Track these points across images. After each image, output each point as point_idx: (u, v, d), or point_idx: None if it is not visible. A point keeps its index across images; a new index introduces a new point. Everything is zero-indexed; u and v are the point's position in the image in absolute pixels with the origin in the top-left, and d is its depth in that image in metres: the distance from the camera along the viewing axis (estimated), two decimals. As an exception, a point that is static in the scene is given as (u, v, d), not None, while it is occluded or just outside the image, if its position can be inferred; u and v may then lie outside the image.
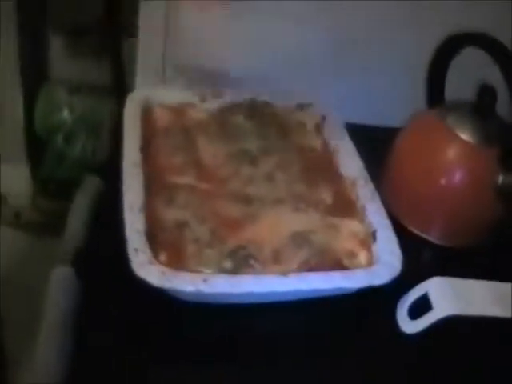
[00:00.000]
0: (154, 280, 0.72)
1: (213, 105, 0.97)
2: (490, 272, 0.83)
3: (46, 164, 1.62)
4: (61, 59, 1.61)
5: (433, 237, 0.91)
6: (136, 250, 0.75)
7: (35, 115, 1.60)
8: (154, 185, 0.84)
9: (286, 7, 0.99)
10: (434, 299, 0.78)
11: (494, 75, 0.84)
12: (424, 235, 0.91)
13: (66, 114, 1.60)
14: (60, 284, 0.85)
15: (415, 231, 0.91)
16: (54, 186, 1.62)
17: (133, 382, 0.71)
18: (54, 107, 1.60)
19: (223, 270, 0.77)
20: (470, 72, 0.91)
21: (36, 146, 1.62)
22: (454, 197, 0.89)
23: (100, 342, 0.74)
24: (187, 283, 0.73)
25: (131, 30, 1.13)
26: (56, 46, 1.61)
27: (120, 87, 1.12)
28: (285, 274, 0.76)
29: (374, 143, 0.94)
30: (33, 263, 0.97)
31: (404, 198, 0.92)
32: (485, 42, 0.86)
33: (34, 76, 1.61)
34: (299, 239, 0.81)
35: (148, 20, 1.07)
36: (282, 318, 0.78)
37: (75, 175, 1.58)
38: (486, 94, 0.88)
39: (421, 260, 0.91)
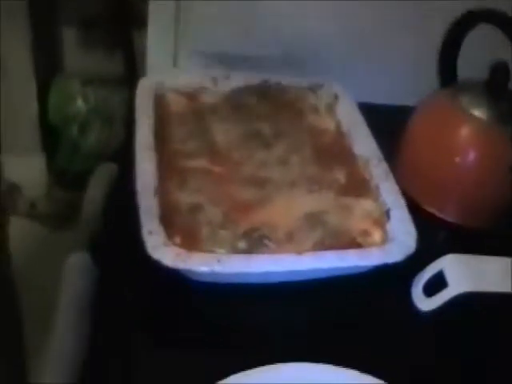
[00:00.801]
0: (168, 261, 0.73)
1: (225, 88, 0.97)
2: (504, 251, 0.83)
3: (61, 155, 1.63)
4: (74, 50, 1.62)
5: (447, 216, 0.91)
6: (150, 232, 0.75)
7: (49, 106, 1.61)
8: (168, 169, 0.85)
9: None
10: (449, 276, 0.77)
11: (507, 53, 0.84)
12: (439, 214, 0.91)
13: (79, 104, 1.61)
14: (76, 269, 0.86)
15: (430, 210, 0.91)
16: (69, 177, 1.63)
17: (148, 364, 0.71)
18: (68, 98, 1.61)
19: (237, 251, 0.77)
20: (483, 50, 0.90)
21: (51, 137, 1.63)
22: (468, 176, 0.89)
23: (116, 325, 0.74)
24: (201, 264, 0.73)
25: (143, 19, 1.13)
26: (69, 38, 1.62)
27: (132, 76, 1.13)
28: (299, 253, 0.76)
29: (388, 123, 0.94)
30: (48, 254, 0.98)
31: (418, 177, 0.92)
32: (498, 19, 0.86)
33: (47, 68, 1.62)
34: (313, 220, 0.82)
35: (159, 7, 1.08)
36: (296, 300, 0.78)
37: (90, 165, 1.60)
38: (499, 71, 0.87)
39: (435, 239, 0.90)
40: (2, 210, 0.92)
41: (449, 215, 0.91)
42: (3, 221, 0.93)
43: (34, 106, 1.58)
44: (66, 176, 1.63)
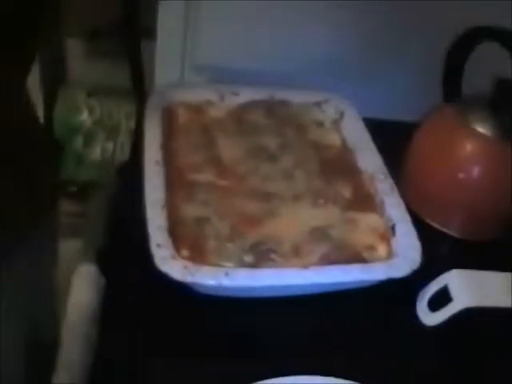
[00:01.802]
0: (176, 274, 0.73)
1: (231, 103, 0.98)
2: (508, 265, 0.83)
3: (66, 166, 1.63)
4: (79, 61, 1.63)
5: (452, 230, 0.92)
6: (159, 245, 0.76)
7: (54, 117, 1.62)
8: (175, 182, 0.85)
9: (308, 6, 1.00)
10: (453, 291, 0.78)
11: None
12: (443, 229, 0.92)
13: (85, 116, 1.61)
14: (83, 282, 0.86)
15: (434, 225, 0.92)
16: (73, 188, 1.63)
17: (154, 374, 0.71)
18: (74, 110, 1.62)
19: (244, 264, 0.78)
20: (486, 66, 0.91)
21: (55, 148, 1.64)
22: (472, 191, 0.90)
23: (123, 337, 0.75)
24: (209, 277, 0.74)
25: (150, 31, 1.14)
26: (74, 49, 1.63)
27: (139, 88, 1.13)
28: (305, 267, 0.77)
29: (392, 138, 0.95)
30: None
31: (423, 192, 0.93)
32: (502, 36, 0.87)
33: (53, 78, 1.63)
34: (318, 234, 0.82)
35: (167, 20, 1.08)
36: (302, 313, 0.79)
37: (94, 177, 1.60)
38: (503, 87, 0.88)
39: (440, 253, 0.91)
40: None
41: (453, 230, 0.92)
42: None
43: (39, 117, 1.59)
44: (71, 187, 1.64)
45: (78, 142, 1.61)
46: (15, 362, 0.90)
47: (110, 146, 1.61)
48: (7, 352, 0.87)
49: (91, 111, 1.60)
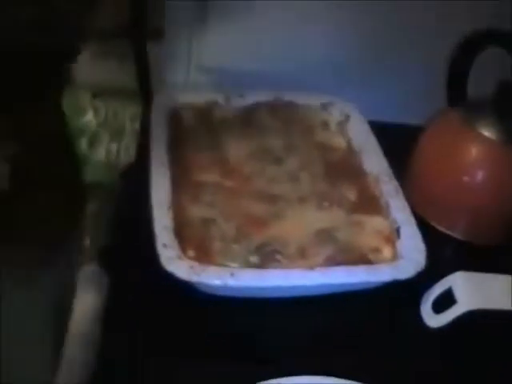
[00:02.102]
0: (182, 274, 0.74)
1: (237, 104, 0.99)
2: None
3: (71, 167, 1.64)
4: (84, 62, 1.63)
5: (457, 233, 0.92)
6: (165, 245, 0.76)
7: (60, 118, 1.62)
8: (181, 183, 0.86)
9: (310, 8, 1.00)
10: (458, 293, 0.78)
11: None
12: (448, 232, 0.92)
13: (90, 117, 1.62)
14: (88, 282, 0.87)
15: (439, 228, 0.92)
16: (78, 189, 1.64)
17: (158, 374, 0.72)
18: (78, 111, 1.62)
19: (250, 265, 0.78)
20: (493, 69, 0.91)
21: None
22: (477, 194, 0.90)
23: (126, 338, 0.75)
24: (215, 277, 0.74)
25: (158, 33, 1.14)
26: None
27: (145, 90, 1.14)
28: (311, 268, 0.77)
29: (398, 141, 0.95)
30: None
31: (428, 195, 0.93)
32: (507, 41, 0.87)
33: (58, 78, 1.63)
34: (324, 236, 0.83)
35: (174, 22, 1.09)
36: (307, 314, 0.79)
37: (99, 178, 1.61)
38: (506, 90, 0.88)
39: (445, 256, 0.91)
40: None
41: (458, 232, 0.92)
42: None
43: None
44: (76, 188, 1.64)
45: (83, 143, 1.62)
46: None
47: (114, 147, 1.61)
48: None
49: (96, 112, 1.60)
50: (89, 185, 1.62)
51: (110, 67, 1.59)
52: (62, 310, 0.90)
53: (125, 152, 1.60)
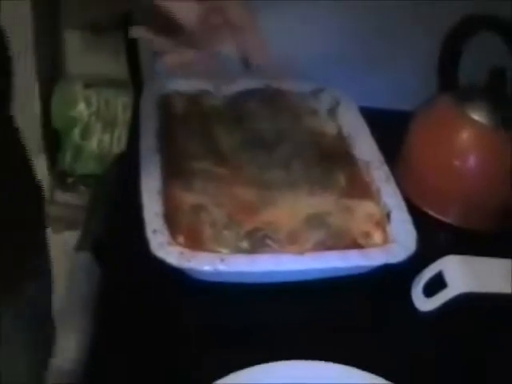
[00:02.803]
0: (172, 260, 0.74)
1: (227, 92, 0.98)
2: (505, 253, 0.83)
3: (63, 158, 1.64)
4: (76, 53, 1.63)
5: (448, 218, 0.92)
6: (155, 231, 0.76)
7: (52, 109, 1.62)
8: (172, 170, 0.86)
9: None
10: (448, 277, 0.78)
11: (505, 59, 0.85)
12: (439, 217, 0.92)
13: (82, 108, 1.62)
14: (80, 269, 0.87)
15: (431, 213, 0.92)
16: (71, 180, 1.64)
17: (150, 361, 0.72)
18: (71, 102, 1.62)
19: (240, 250, 0.78)
20: (484, 55, 0.91)
21: (53, 140, 1.64)
22: (468, 179, 0.90)
23: (120, 324, 0.75)
24: (205, 263, 0.75)
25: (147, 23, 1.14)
26: (72, 41, 1.63)
27: (136, 79, 1.14)
28: (301, 253, 0.77)
29: (389, 127, 0.95)
30: (51, 256, 0.99)
31: (419, 180, 0.93)
32: (498, 25, 0.87)
33: (50, 71, 1.63)
34: (315, 221, 0.83)
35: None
36: (298, 300, 0.79)
37: (93, 168, 1.61)
38: (497, 75, 0.88)
39: (436, 241, 0.91)
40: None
41: (449, 217, 0.92)
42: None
43: (36, 109, 1.59)
44: (68, 179, 1.64)
45: (76, 133, 1.62)
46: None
47: (107, 137, 1.61)
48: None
49: (88, 103, 1.60)
50: (81, 175, 1.63)
51: (102, 58, 1.59)
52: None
53: (117, 142, 1.61)
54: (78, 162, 1.63)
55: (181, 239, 0.78)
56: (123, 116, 1.57)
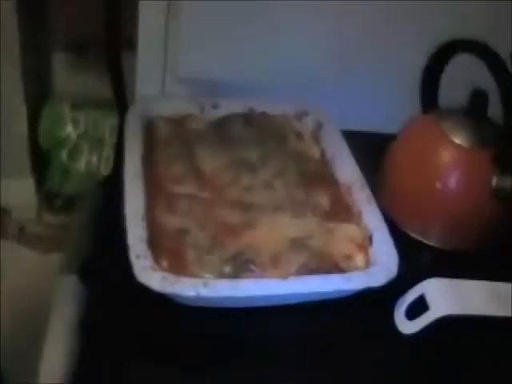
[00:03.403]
0: (155, 285, 0.74)
1: (212, 115, 0.99)
2: (487, 274, 0.84)
3: (51, 178, 1.64)
4: (63, 74, 1.63)
5: (430, 240, 0.93)
6: (138, 256, 0.76)
7: (39, 130, 1.62)
8: (155, 194, 0.86)
9: (287, 19, 1.01)
10: (430, 300, 0.79)
11: (486, 81, 0.86)
12: (422, 238, 0.93)
13: (69, 128, 1.62)
14: (64, 293, 0.87)
15: (413, 235, 0.93)
16: (58, 200, 1.64)
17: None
18: (58, 123, 1.63)
19: (223, 275, 0.78)
20: (463, 78, 0.92)
21: (40, 161, 1.64)
22: (449, 200, 0.91)
23: (104, 347, 0.76)
24: (188, 288, 0.75)
25: (131, 43, 1.15)
26: (58, 62, 1.63)
27: (120, 100, 1.14)
28: (284, 277, 0.77)
29: (371, 149, 0.96)
30: (37, 277, 0.99)
31: (401, 202, 0.94)
32: (477, 48, 0.88)
33: (37, 91, 1.63)
34: (297, 244, 0.83)
35: (147, 32, 1.09)
36: (281, 322, 0.80)
37: (79, 189, 1.61)
38: (478, 97, 0.89)
39: (419, 263, 0.92)
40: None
41: (431, 239, 0.93)
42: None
43: (24, 130, 1.60)
44: (56, 200, 1.64)
45: (63, 154, 1.62)
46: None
47: (94, 158, 1.62)
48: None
49: (76, 124, 1.61)
50: (68, 196, 1.63)
51: (89, 79, 1.60)
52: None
53: (105, 163, 1.61)
54: (66, 182, 1.63)
55: (164, 263, 0.78)
56: (111, 137, 1.58)
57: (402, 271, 0.80)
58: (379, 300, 0.80)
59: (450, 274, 0.83)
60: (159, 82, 1.11)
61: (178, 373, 0.75)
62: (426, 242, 0.92)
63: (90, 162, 1.62)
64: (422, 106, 0.95)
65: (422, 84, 0.94)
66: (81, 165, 1.62)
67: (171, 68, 1.09)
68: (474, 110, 0.91)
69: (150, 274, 0.75)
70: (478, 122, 0.91)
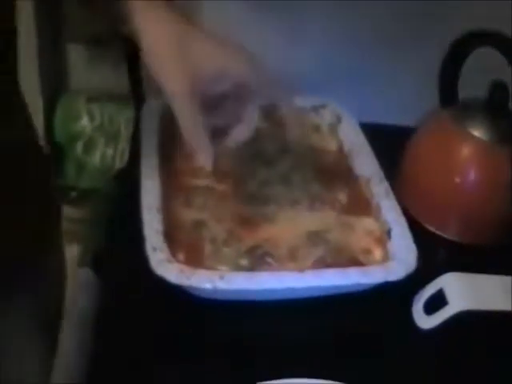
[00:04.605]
0: (172, 277, 0.74)
1: (229, 107, 0.98)
2: (505, 269, 0.83)
3: (67, 172, 1.64)
4: (79, 68, 1.64)
5: (449, 234, 0.92)
6: (154, 248, 0.76)
7: (55, 124, 1.63)
8: (172, 186, 0.86)
9: (305, 9, 1.01)
10: (448, 294, 0.78)
11: (507, 75, 0.85)
12: (440, 232, 0.92)
13: (85, 122, 1.62)
14: (80, 285, 0.87)
15: (431, 229, 0.92)
16: (74, 194, 1.64)
17: (149, 377, 0.72)
18: (74, 116, 1.63)
19: (240, 268, 0.78)
20: (484, 70, 0.91)
21: (56, 154, 1.65)
22: (468, 195, 0.90)
23: (119, 340, 0.75)
24: (204, 280, 0.74)
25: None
26: (75, 56, 1.64)
27: (137, 94, 1.14)
28: (301, 270, 0.77)
29: (390, 142, 0.95)
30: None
31: (420, 196, 0.93)
32: (498, 42, 0.87)
33: (53, 85, 1.63)
34: (315, 238, 0.83)
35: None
36: (298, 317, 0.79)
37: (95, 182, 1.61)
38: (498, 90, 0.88)
39: (437, 257, 0.91)
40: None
41: (450, 233, 0.92)
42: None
43: (40, 124, 1.60)
44: (71, 193, 1.65)
45: (78, 148, 1.62)
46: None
47: (110, 152, 1.62)
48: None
49: (91, 117, 1.61)
50: (84, 189, 1.63)
51: (105, 72, 1.60)
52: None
53: (120, 156, 1.61)
54: (81, 176, 1.63)
55: (181, 256, 0.78)
56: (126, 130, 1.58)
57: (421, 265, 0.79)
58: (397, 294, 0.79)
59: (468, 269, 0.82)
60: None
61: (193, 367, 0.74)
62: (444, 236, 0.92)
63: (105, 155, 1.62)
64: (442, 99, 0.94)
65: (441, 77, 0.93)
66: (96, 158, 1.62)
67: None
68: (494, 102, 0.89)
69: (167, 267, 0.75)
70: (499, 115, 0.90)
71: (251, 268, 0.78)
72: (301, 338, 0.78)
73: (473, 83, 0.91)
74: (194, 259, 0.78)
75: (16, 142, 0.80)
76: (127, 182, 0.91)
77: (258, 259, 0.79)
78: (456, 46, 0.92)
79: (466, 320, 0.78)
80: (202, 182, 0.88)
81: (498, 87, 0.88)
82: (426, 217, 0.92)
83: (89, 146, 1.62)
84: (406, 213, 0.87)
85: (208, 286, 0.74)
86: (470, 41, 0.91)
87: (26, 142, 0.85)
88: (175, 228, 0.81)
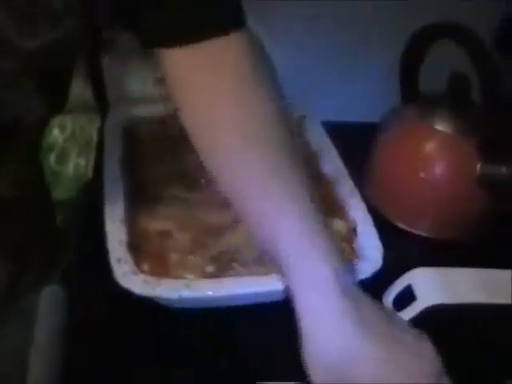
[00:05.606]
0: (136, 289, 0.73)
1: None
2: (476, 263, 0.83)
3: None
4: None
5: (418, 230, 0.92)
6: (119, 260, 0.76)
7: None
8: (136, 196, 0.85)
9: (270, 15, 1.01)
10: (417, 290, 0.78)
11: (467, 67, 0.85)
12: (409, 229, 0.92)
13: (56, 133, 1.61)
14: (48, 303, 0.86)
15: (400, 225, 0.92)
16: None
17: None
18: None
19: (206, 275, 0.77)
20: (444, 63, 0.91)
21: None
22: (435, 189, 0.90)
23: (89, 353, 0.75)
24: (170, 290, 0.74)
25: (111, 46, 1.13)
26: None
27: (102, 103, 1.13)
28: (267, 274, 0.76)
29: (353, 140, 0.95)
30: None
31: (387, 192, 0.93)
32: (456, 33, 0.87)
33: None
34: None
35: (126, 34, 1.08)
36: (265, 321, 0.78)
37: (70, 193, 1.60)
38: (458, 81, 0.88)
39: (407, 253, 0.91)
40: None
41: (420, 229, 0.92)
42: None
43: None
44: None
45: (51, 159, 1.61)
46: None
47: (82, 162, 1.60)
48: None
49: (62, 128, 1.60)
50: (58, 200, 1.61)
51: (75, 82, 1.59)
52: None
53: (92, 167, 1.60)
54: (55, 187, 1.62)
55: (146, 266, 0.77)
56: (96, 140, 1.56)
57: (390, 262, 0.79)
58: (367, 292, 0.79)
59: (439, 264, 0.82)
60: (141, 83, 1.10)
61: (163, 377, 0.74)
62: (415, 232, 0.92)
63: (78, 166, 1.60)
64: (404, 94, 0.94)
65: (402, 71, 0.93)
66: (69, 169, 1.61)
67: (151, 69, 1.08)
68: (455, 94, 0.89)
69: (131, 278, 0.74)
70: (460, 106, 0.90)
71: (217, 274, 0.78)
72: (271, 341, 0.78)
73: (434, 75, 0.91)
74: (161, 269, 0.78)
75: None
76: (93, 193, 0.91)
77: (224, 265, 0.78)
78: (414, 39, 0.91)
79: (437, 315, 0.77)
80: (166, 190, 0.88)
81: (456, 79, 0.88)
82: (396, 214, 0.92)
83: (61, 157, 1.61)
84: (375, 210, 0.87)
85: (174, 295, 0.74)
86: (429, 34, 0.90)
87: None
88: (140, 238, 0.80)
